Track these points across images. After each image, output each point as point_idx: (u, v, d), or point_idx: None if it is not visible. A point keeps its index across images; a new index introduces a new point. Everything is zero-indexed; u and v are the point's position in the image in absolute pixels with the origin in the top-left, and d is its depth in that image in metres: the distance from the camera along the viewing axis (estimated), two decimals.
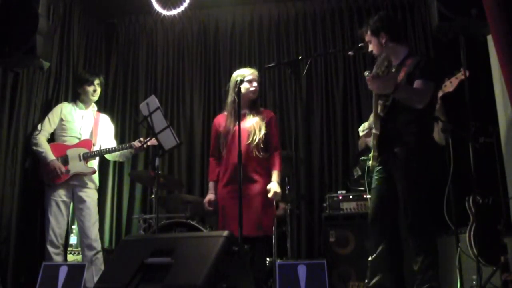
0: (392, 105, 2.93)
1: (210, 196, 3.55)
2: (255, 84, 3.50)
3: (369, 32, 3.06)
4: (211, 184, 3.60)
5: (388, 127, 2.93)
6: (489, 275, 3.20)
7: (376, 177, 3.04)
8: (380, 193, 3.01)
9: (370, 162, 3.07)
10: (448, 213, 3.50)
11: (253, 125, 3.45)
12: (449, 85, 3.54)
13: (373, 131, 2.96)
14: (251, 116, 3.49)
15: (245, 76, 3.47)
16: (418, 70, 2.86)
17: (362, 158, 3.50)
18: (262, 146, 3.43)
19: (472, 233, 3.40)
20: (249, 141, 3.40)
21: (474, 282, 3.13)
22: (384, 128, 2.93)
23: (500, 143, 3.66)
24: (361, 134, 3.18)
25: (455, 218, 3.19)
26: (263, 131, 3.44)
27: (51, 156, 3.91)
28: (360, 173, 3.81)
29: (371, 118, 3.14)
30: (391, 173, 2.95)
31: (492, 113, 3.76)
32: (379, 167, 3.03)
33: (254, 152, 3.39)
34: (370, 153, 3.19)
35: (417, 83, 2.82)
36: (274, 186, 3.37)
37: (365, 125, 3.19)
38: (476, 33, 3.14)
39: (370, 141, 3.13)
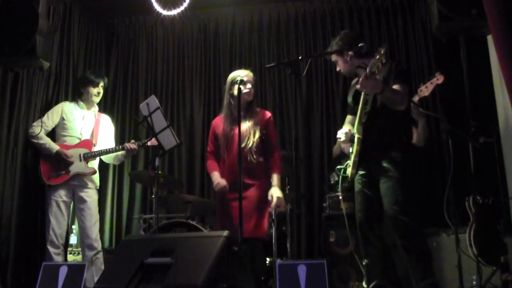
0: (372, 111, 2.96)
1: (221, 180, 3.35)
2: (249, 86, 3.39)
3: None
4: (215, 173, 3.41)
5: (369, 132, 2.95)
6: (489, 275, 3.21)
7: (360, 181, 3.07)
8: (365, 196, 3.04)
9: (349, 170, 3.06)
10: (448, 213, 3.50)
11: (248, 128, 3.36)
12: (425, 90, 3.57)
13: (356, 136, 2.97)
14: (247, 118, 3.39)
15: (239, 78, 3.37)
16: (393, 75, 2.91)
17: (338, 167, 3.48)
18: (255, 150, 3.33)
19: (472, 233, 3.39)
20: (242, 145, 3.26)
21: (474, 282, 3.14)
22: (365, 134, 2.96)
23: (500, 143, 3.66)
24: (343, 139, 3.11)
25: (455, 218, 3.19)
26: (257, 134, 3.35)
27: (55, 146, 3.91)
28: (336, 178, 3.78)
29: (347, 124, 3.18)
30: (375, 176, 2.99)
31: (492, 113, 3.76)
32: (362, 172, 3.06)
33: (248, 157, 3.30)
34: (346, 160, 3.19)
35: (396, 87, 2.87)
36: (275, 193, 3.27)
37: (342, 132, 3.12)
38: (476, 33, 3.14)
39: (346, 147, 3.14)
